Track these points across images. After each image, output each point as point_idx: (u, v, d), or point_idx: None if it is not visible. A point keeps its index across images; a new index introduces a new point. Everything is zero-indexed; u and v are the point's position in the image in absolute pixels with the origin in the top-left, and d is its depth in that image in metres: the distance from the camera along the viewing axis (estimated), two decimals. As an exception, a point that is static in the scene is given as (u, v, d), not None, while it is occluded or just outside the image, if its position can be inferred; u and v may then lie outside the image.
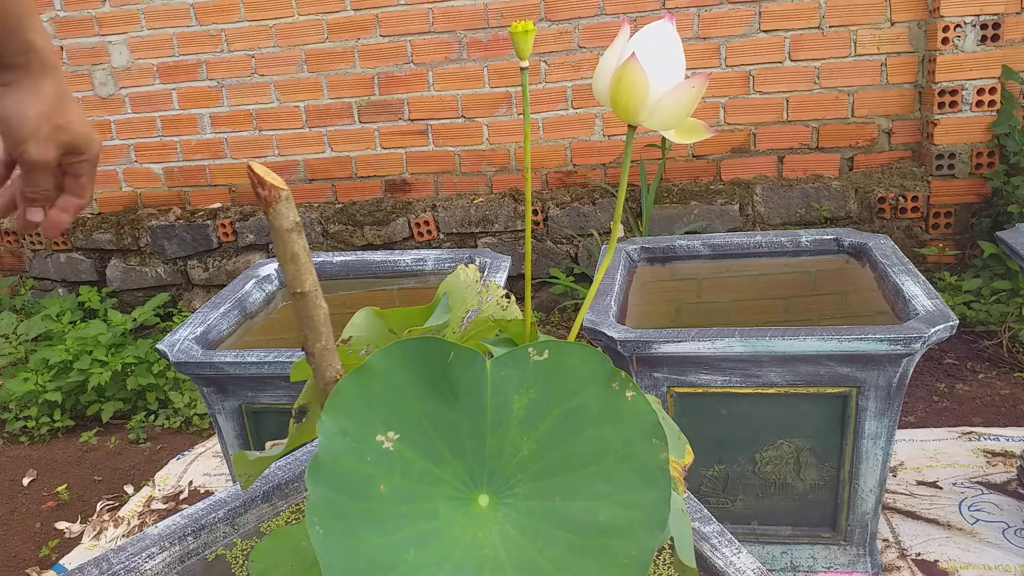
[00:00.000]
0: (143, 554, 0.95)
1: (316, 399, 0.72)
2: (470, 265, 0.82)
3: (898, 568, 1.76)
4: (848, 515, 1.67)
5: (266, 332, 1.91)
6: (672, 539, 0.73)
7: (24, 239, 3.57)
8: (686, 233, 2.94)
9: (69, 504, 2.34)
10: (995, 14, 2.73)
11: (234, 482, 1.20)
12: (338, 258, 2.12)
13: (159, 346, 1.66)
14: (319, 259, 2.11)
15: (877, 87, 2.97)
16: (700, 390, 1.61)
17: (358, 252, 2.15)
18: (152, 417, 2.72)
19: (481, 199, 3.26)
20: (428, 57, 3.20)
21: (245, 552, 1.00)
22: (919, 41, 2.90)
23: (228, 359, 1.61)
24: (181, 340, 1.68)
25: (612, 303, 1.69)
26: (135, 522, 2.21)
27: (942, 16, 2.75)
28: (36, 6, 0.73)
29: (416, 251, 2.10)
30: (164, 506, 2.26)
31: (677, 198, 3.07)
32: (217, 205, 3.52)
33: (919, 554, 1.80)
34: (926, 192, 2.91)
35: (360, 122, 3.32)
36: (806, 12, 2.93)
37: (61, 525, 2.23)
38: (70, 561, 2.07)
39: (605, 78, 0.72)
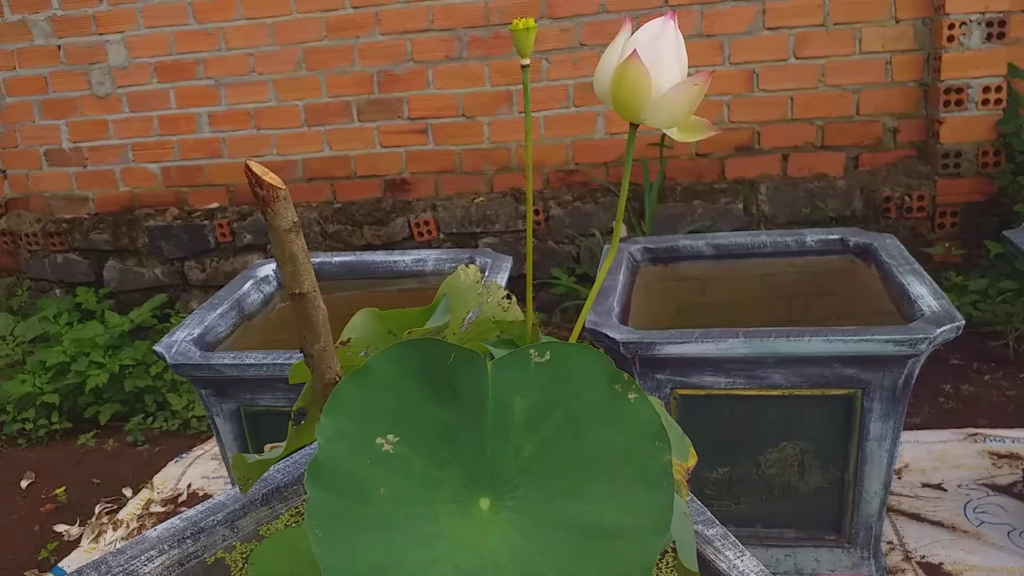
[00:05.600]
0: (142, 557, 0.94)
1: (315, 401, 0.71)
2: (470, 266, 0.82)
3: (903, 571, 1.75)
4: (853, 518, 1.66)
5: (264, 333, 1.90)
6: (674, 542, 0.73)
7: (21, 240, 3.57)
8: (690, 233, 2.93)
9: (67, 507, 2.33)
10: (1001, 11, 2.72)
11: (233, 485, 1.20)
12: (337, 258, 2.12)
13: (157, 348, 1.65)
14: (318, 259, 2.10)
15: (882, 85, 2.96)
16: (704, 392, 1.60)
17: (357, 252, 2.15)
18: (150, 419, 2.72)
19: (482, 199, 3.25)
20: (428, 55, 3.19)
21: (244, 555, 0.99)
22: (924, 39, 2.89)
23: (226, 361, 1.60)
24: (179, 342, 1.67)
25: (615, 304, 1.68)
26: (134, 525, 2.20)
27: (947, 14, 2.74)
28: None
29: (416, 251, 2.10)
30: (163, 509, 2.26)
31: (681, 197, 3.06)
32: (215, 205, 3.51)
33: (924, 556, 1.79)
34: (932, 191, 2.90)
35: (359, 121, 3.32)
36: (810, 10, 2.92)
37: (60, 528, 2.23)
38: (69, 564, 2.06)
39: (606, 76, 0.72)
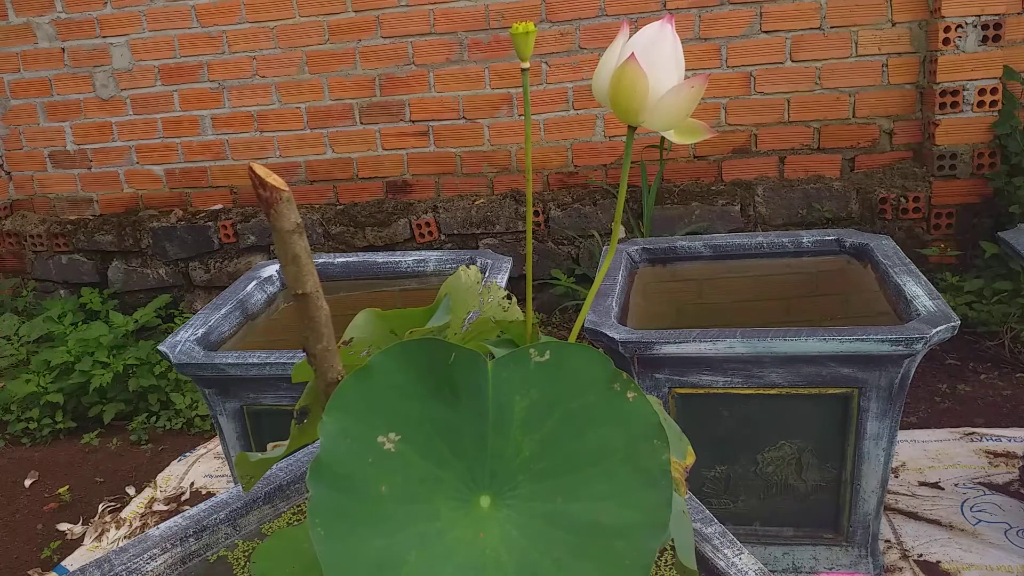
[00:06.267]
0: (145, 555, 0.95)
1: (318, 400, 0.72)
2: (471, 266, 0.82)
3: (900, 569, 1.75)
4: (850, 516, 1.67)
5: (268, 333, 1.91)
6: (673, 540, 0.73)
7: (26, 241, 3.58)
8: (687, 234, 2.94)
9: (71, 505, 2.34)
10: (996, 14, 2.73)
11: (236, 483, 1.20)
12: (339, 259, 2.12)
13: (161, 347, 1.66)
14: (320, 260, 2.11)
15: (878, 88, 2.97)
16: (702, 391, 1.61)
17: (359, 253, 2.15)
18: (154, 418, 2.73)
19: (482, 200, 3.26)
20: (429, 58, 3.20)
21: (247, 553, 1.00)
22: (920, 41, 2.90)
23: (230, 360, 1.61)
24: (183, 341, 1.68)
25: (613, 304, 1.69)
26: (137, 523, 2.21)
27: (943, 16, 2.75)
28: None
29: (417, 252, 2.10)
30: (166, 507, 2.27)
31: (678, 199, 3.07)
32: (218, 206, 3.52)
33: (921, 555, 1.80)
34: (927, 193, 2.91)
35: (361, 123, 3.33)
36: (807, 13, 2.93)
37: (63, 526, 2.24)
38: (72, 562, 2.07)
39: (605, 79, 0.72)
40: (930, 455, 2.15)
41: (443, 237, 3.24)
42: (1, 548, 2.17)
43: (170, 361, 1.64)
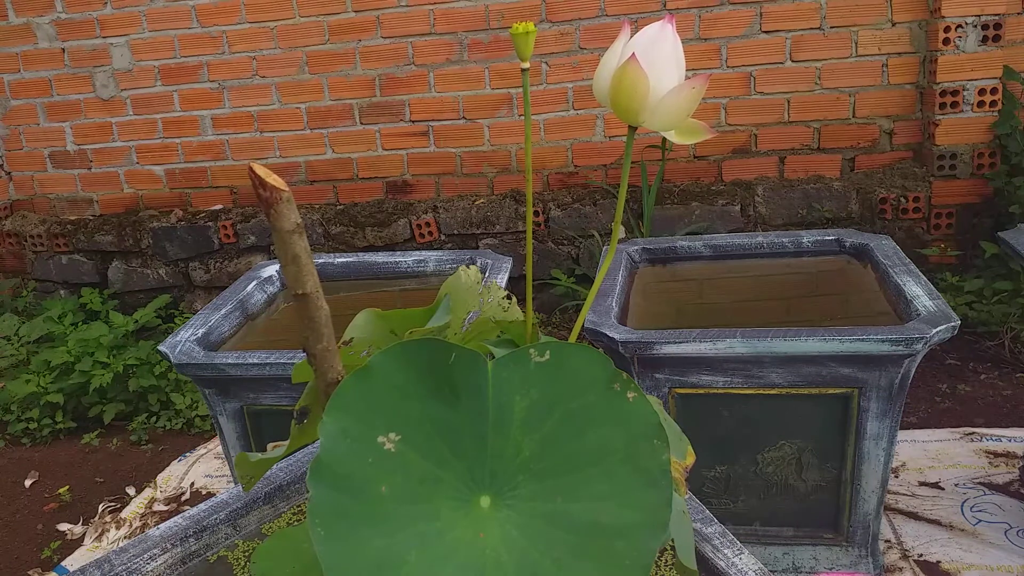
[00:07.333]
0: (145, 555, 0.95)
1: (318, 400, 0.72)
2: (471, 266, 0.82)
3: (900, 569, 1.75)
4: (850, 516, 1.67)
5: (268, 333, 1.91)
6: (673, 540, 0.73)
7: (26, 241, 3.58)
8: (687, 234, 2.94)
9: (71, 506, 2.34)
10: (996, 14, 2.73)
11: (236, 483, 1.20)
12: (339, 259, 2.13)
13: (161, 347, 1.66)
14: (320, 260, 2.11)
15: (878, 88, 2.97)
16: (702, 391, 1.61)
17: (359, 253, 2.16)
18: (154, 419, 2.73)
19: (482, 200, 3.26)
20: (429, 58, 3.20)
21: (247, 553, 1.00)
22: (920, 41, 2.90)
23: (230, 360, 1.61)
24: (183, 342, 1.68)
25: (613, 304, 1.69)
26: (137, 524, 2.21)
27: (943, 16, 2.75)
28: None
29: (417, 252, 2.10)
30: (166, 508, 2.27)
31: (678, 199, 3.07)
32: (218, 207, 3.52)
33: (921, 555, 1.80)
34: (927, 193, 2.91)
35: (361, 123, 3.33)
36: (807, 13, 2.93)
37: (63, 527, 2.24)
38: (72, 562, 2.07)
39: (605, 79, 0.72)
40: (930, 455, 2.15)
41: (443, 237, 3.24)
42: (1, 548, 2.18)
43: (170, 361, 1.64)
